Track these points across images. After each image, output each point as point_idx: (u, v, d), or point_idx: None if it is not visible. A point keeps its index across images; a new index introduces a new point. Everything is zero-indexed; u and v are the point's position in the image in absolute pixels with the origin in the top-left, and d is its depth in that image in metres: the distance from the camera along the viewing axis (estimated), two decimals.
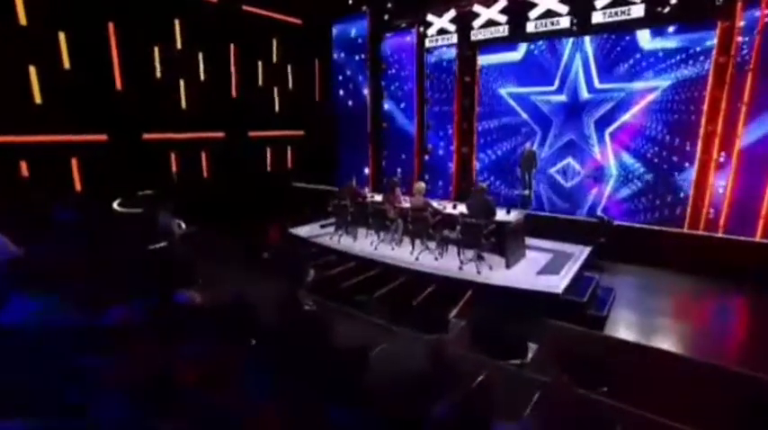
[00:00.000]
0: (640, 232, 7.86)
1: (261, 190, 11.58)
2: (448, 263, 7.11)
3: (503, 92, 13.65)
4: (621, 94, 11.84)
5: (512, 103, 13.12)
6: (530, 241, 7.87)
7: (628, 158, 11.62)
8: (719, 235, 7.93)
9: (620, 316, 6.14)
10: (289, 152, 13.48)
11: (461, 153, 12.59)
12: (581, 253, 7.63)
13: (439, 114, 13.81)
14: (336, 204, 8.07)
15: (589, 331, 5.23)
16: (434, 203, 7.93)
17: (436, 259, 7.35)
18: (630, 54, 11.99)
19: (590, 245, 7.38)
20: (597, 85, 12.40)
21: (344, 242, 8.12)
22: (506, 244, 6.89)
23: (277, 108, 12.80)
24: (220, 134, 11.60)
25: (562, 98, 12.95)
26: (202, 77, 10.88)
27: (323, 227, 8.66)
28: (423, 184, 7.33)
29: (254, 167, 12.16)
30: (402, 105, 14.00)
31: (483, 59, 13.40)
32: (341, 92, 13.79)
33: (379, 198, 8.09)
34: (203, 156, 11.35)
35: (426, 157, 13.47)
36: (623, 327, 5.90)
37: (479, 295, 6.37)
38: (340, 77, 13.96)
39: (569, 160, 12.95)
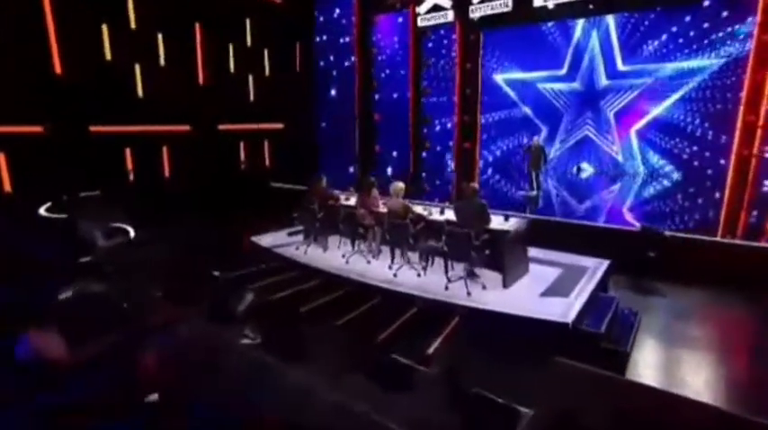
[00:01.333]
0: (682, 243, 6.71)
1: (233, 191, 10.60)
2: (432, 280, 6.11)
3: (500, 78, 13.03)
4: (647, 80, 11.13)
5: (510, 92, 12.72)
6: (535, 253, 6.86)
7: (652, 154, 11.29)
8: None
9: (647, 351, 5.09)
10: (266, 148, 12.43)
11: (462, 149, 12.14)
12: (597, 267, 6.51)
13: (438, 106, 13.23)
14: (302, 208, 7.01)
15: (606, 375, 4.10)
16: (418, 207, 6.91)
17: (419, 275, 6.30)
18: (658, 32, 11.08)
19: (635, 258, 6.35)
20: (620, 66, 11.78)
21: (312, 253, 7.11)
22: (504, 258, 5.81)
23: (252, 97, 11.76)
24: (185, 127, 10.64)
25: (575, 86, 12.48)
26: (162, 62, 9.90)
27: (291, 234, 7.61)
28: (401, 184, 6.27)
29: (226, 165, 11.14)
30: (395, 95, 13.34)
31: (487, 41, 12.61)
32: (325, 80, 13.22)
33: (354, 201, 7.02)
34: (164, 152, 10.39)
35: (424, 154, 12.91)
36: (651, 368, 4.82)
37: (468, 323, 5.33)
38: (324, 63, 13.37)
39: (583, 157, 12.63)
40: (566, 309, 5.33)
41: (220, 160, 11.22)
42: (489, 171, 13.23)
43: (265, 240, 7.97)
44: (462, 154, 12.22)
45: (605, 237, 7.09)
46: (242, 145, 12.00)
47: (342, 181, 10.39)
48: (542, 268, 6.59)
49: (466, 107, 12.05)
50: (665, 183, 10.93)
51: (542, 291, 5.87)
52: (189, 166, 10.48)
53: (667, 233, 6.49)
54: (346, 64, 12.95)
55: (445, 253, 6.03)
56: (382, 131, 13.35)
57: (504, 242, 5.83)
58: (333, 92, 13.25)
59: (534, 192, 10.10)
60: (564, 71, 12.77)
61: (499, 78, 13.32)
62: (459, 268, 6.10)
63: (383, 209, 6.54)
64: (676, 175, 11.34)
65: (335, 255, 7.10)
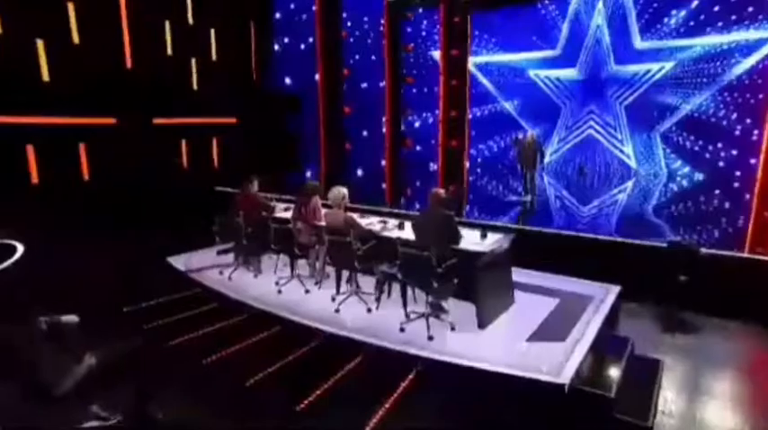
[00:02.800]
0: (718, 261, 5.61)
1: (168, 197, 9.38)
2: (385, 317, 4.97)
3: (488, 65, 12.64)
4: (667, 65, 10.63)
5: (491, 85, 12.35)
6: (524, 276, 5.75)
7: (668, 154, 11.04)
8: None
9: (677, 422, 3.83)
10: (214, 146, 11.25)
11: (448, 147, 11.44)
12: (605, 297, 5.34)
13: (420, 98, 13.13)
14: (224, 222, 5.81)
15: None
16: (372, 219, 5.79)
17: (369, 310, 5.07)
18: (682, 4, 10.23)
19: (662, 282, 5.37)
20: (638, 43, 10.87)
21: (239, 280, 5.95)
22: (478, 289, 4.64)
23: (195, 86, 10.55)
24: (109, 120, 9.40)
25: (573, 74, 12.00)
26: (76, 39, 8.64)
27: (221, 253, 6.41)
28: (343, 190, 5.11)
29: (162, 166, 9.94)
30: (364, 85, 12.96)
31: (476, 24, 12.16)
32: (286, 65, 12.49)
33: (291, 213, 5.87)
34: (82, 150, 9.12)
35: (405, 149, 12.46)
36: None
37: (428, 381, 4.14)
38: (285, 45, 12.62)
39: (587, 159, 12.30)
40: (560, 361, 4.17)
41: (155, 160, 9.96)
42: (478, 171, 13.16)
43: (188, 261, 6.78)
44: (448, 153, 11.52)
45: (619, 255, 5.95)
46: (183, 143, 10.75)
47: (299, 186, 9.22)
48: (532, 298, 5.44)
49: (452, 100, 11.33)
50: (684, 184, 10.45)
51: (530, 334, 4.70)
52: (115, 167, 9.22)
53: (704, 251, 5.35)
54: (311, 47, 12.10)
55: (402, 281, 4.86)
56: (353, 127, 12.72)
57: (479, 268, 4.64)
58: (296, 80, 12.39)
59: (528, 197, 9.12)
60: (558, 52, 12.29)
61: (487, 64, 13.10)
62: (424, 298, 4.87)
63: (323, 222, 5.38)
64: (698, 177, 10.73)
65: (268, 282, 5.91)
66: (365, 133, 13.20)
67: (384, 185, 11.64)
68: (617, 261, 5.85)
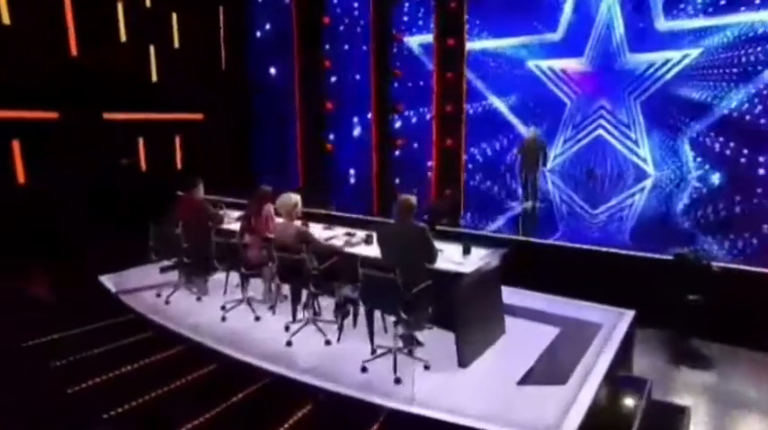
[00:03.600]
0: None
1: (120, 204, 8.95)
2: (347, 352, 4.33)
3: (486, 55, 12.36)
4: (692, 52, 10.14)
5: (482, 82, 12.17)
6: (518, 298, 5.20)
7: (693, 158, 10.68)
8: None
9: None
10: (177, 145, 10.78)
11: (443, 146, 11.22)
12: (615, 324, 4.79)
13: (411, 92, 12.80)
14: (160, 234, 5.22)
15: None
16: (337, 231, 5.23)
17: (328, 343, 4.45)
18: None
19: (668, 302, 4.92)
20: (658, 25, 10.44)
21: (178, 304, 5.38)
22: (459, 318, 4.04)
23: (154, 77, 10.06)
24: (51, 114, 8.77)
25: (581, 65, 11.65)
26: (6, 20, 8.02)
27: (165, 270, 5.92)
28: (294, 197, 4.54)
29: (113, 169, 9.49)
30: (357, 77, 12.59)
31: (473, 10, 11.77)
32: (262, 55, 12.07)
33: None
34: (15, 149, 8.47)
35: (396, 150, 12.04)
36: None
37: None
38: (259, 33, 12.21)
39: (596, 162, 11.96)
40: (561, 411, 3.48)
41: (104, 160, 9.40)
42: (478, 177, 12.83)
43: (124, 280, 6.18)
44: (442, 153, 11.19)
45: (626, 270, 5.55)
46: (141, 141, 10.16)
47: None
48: (528, 326, 4.84)
49: (447, 94, 11.01)
50: (708, 190, 10.05)
51: (523, 374, 4.08)
52: (57, 168, 8.59)
53: (715, 265, 4.86)
54: (290, 35, 11.56)
55: (366, 307, 4.25)
56: (336, 124, 12.40)
57: (460, 294, 4.03)
58: (274, 71, 11.96)
59: (529, 203, 8.74)
60: (560, 38, 11.90)
61: (484, 52, 12.75)
62: (395, 332, 4.23)
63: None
64: (721, 181, 10.41)
65: (213, 307, 5.30)
66: (350, 132, 13.02)
67: (371, 191, 11.30)
68: (623, 277, 5.36)
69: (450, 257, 4.43)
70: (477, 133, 12.85)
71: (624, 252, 5.80)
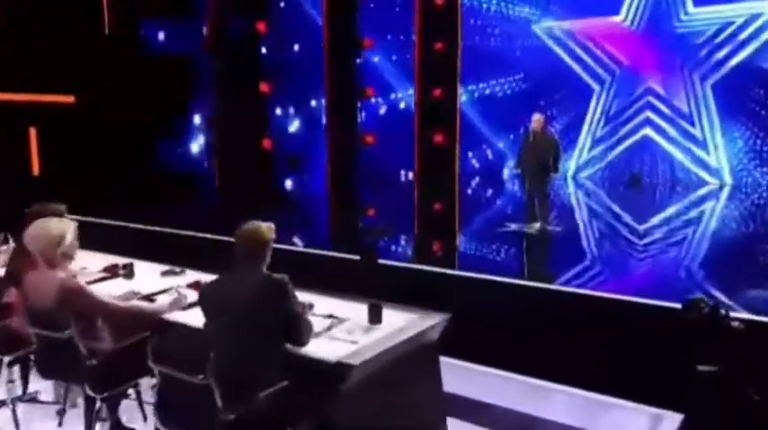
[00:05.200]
0: None
1: None
2: None
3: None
4: None
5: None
6: (497, 391, 4.39)
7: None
8: None
9: None
10: (32, 140, 10.12)
11: (427, 144, 11.34)
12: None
13: (385, 70, 12.86)
14: None
15: None
16: (176, 283, 4.30)
17: None
18: None
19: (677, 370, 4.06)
20: None
21: None
22: None
23: None
24: None
25: (620, 28, 11.66)
26: None
27: None
28: (58, 227, 3.22)
29: None
30: (296, 48, 12.54)
31: None
32: (162, 14, 11.36)
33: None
34: None
35: (364, 148, 11.67)
36: None
37: None
38: None
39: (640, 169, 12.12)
40: None
41: None
42: (475, 182, 12.76)
43: None
44: (429, 153, 11.22)
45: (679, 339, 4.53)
46: None
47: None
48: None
49: (435, 72, 11.09)
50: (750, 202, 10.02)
51: None
52: None
53: (736, 321, 4.11)
54: None
55: None
56: (274, 113, 12.24)
57: (339, 407, 3.11)
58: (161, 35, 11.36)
59: (536, 225, 7.92)
60: None
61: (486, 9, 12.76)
62: None
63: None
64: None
65: None
66: (298, 124, 12.62)
67: (322, 210, 11.02)
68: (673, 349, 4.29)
69: (339, 335, 3.11)
70: (484, 122, 12.76)
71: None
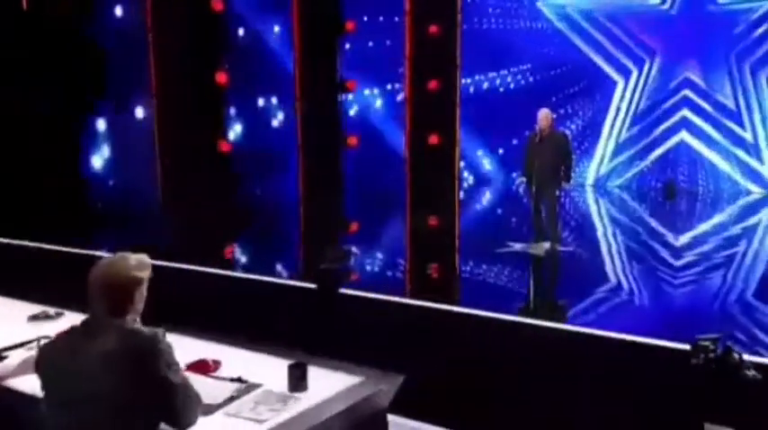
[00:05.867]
0: None
1: None
2: None
3: None
4: None
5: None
6: None
7: None
8: None
9: None
10: None
11: (420, 144, 11.20)
12: None
13: (370, 57, 12.59)
14: None
15: None
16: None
17: None
18: None
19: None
20: None
21: None
22: None
23: None
24: None
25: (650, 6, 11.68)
26: None
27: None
28: None
29: None
30: (276, 30, 12.49)
31: None
32: None
33: None
34: None
35: (347, 151, 11.37)
36: None
37: None
38: None
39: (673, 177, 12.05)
40: None
41: None
42: (483, 196, 12.72)
43: None
44: (424, 156, 11.02)
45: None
46: None
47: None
48: None
49: (430, 60, 10.91)
50: None
51: None
52: None
53: (752, 369, 3.73)
54: None
55: None
56: (234, 109, 11.60)
57: None
58: (118, 10, 11.07)
59: (545, 245, 7.77)
60: None
61: None
62: None
63: None
64: None
65: None
66: (264, 122, 12.35)
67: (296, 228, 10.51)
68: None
69: (253, 400, 2.91)
70: (490, 120, 12.45)
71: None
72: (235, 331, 3.62)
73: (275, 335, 3.83)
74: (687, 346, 3.85)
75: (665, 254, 8.33)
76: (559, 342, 4.87)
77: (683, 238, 8.88)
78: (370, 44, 12.35)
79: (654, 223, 10.13)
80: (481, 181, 13.04)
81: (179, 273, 6.16)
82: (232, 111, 11.49)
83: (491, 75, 12.78)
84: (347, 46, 11.20)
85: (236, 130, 11.85)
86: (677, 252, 8.37)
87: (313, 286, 5.41)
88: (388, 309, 5.25)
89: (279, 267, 7.62)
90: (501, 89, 12.85)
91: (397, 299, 5.64)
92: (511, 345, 4.73)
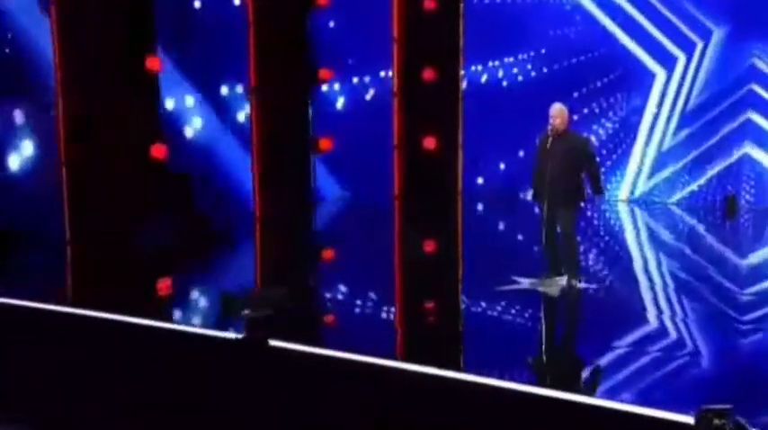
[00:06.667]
0: None
1: None
2: None
3: None
4: None
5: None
6: None
7: None
8: None
9: None
10: None
11: (414, 150, 11.21)
12: None
13: (350, 41, 12.86)
14: None
15: None
16: None
17: None
18: None
19: None
20: None
21: None
22: None
23: None
24: None
25: None
26: None
27: None
28: None
29: None
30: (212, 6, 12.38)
31: None
32: None
33: None
34: None
35: (318, 156, 11.46)
36: None
37: None
38: None
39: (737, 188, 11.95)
40: None
41: None
42: (482, 206, 12.84)
43: None
44: (418, 162, 11.02)
45: None
46: None
47: None
48: None
49: (424, 43, 10.78)
50: None
51: None
52: None
53: None
54: None
55: None
56: (178, 107, 11.50)
57: None
58: None
59: (561, 281, 7.34)
60: None
61: None
62: None
63: None
64: None
65: None
66: (211, 120, 11.67)
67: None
68: None
69: None
70: (495, 118, 12.18)
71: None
72: None
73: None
74: (690, 419, 3.32)
75: (721, 287, 7.81)
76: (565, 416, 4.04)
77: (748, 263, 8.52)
78: (348, 22, 11.91)
79: (710, 246, 9.73)
80: (489, 192, 12.71)
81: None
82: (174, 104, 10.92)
83: (507, 60, 12.60)
84: (318, 24, 10.80)
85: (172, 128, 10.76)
86: (740, 282, 7.90)
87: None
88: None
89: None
90: (505, 83, 12.79)
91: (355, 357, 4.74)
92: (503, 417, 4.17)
